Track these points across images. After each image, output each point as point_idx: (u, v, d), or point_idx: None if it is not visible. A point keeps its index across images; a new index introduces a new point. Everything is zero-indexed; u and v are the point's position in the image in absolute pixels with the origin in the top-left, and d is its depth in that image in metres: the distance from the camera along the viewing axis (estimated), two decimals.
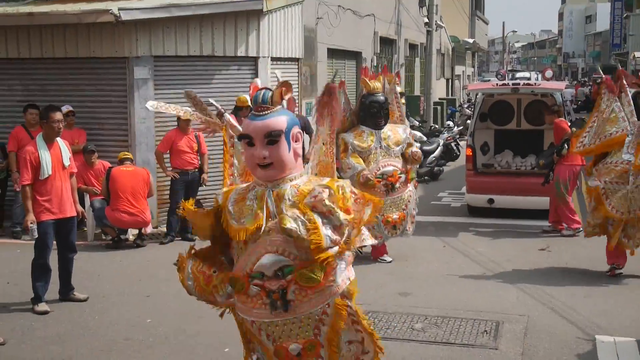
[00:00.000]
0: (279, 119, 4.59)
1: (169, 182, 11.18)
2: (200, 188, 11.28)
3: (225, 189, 4.92)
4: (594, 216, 8.65)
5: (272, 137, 4.54)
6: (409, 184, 9.44)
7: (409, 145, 9.48)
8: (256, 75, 12.51)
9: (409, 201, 9.42)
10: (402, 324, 7.09)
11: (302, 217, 4.31)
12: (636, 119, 8.43)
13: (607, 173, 8.50)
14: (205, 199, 11.65)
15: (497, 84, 14.00)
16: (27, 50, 11.72)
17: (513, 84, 13.39)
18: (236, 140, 5.14)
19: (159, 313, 7.55)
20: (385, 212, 9.19)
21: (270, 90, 4.68)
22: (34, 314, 7.55)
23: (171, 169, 11.01)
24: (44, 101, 10.01)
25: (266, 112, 4.60)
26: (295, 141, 4.65)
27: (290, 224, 4.27)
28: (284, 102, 4.73)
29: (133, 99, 11.39)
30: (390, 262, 9.52)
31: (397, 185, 9.25)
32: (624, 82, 8.59)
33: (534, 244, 10.49)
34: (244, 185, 4.92)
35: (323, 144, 5.08)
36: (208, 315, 7.31)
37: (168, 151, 11.00)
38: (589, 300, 7.84)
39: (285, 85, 4.69)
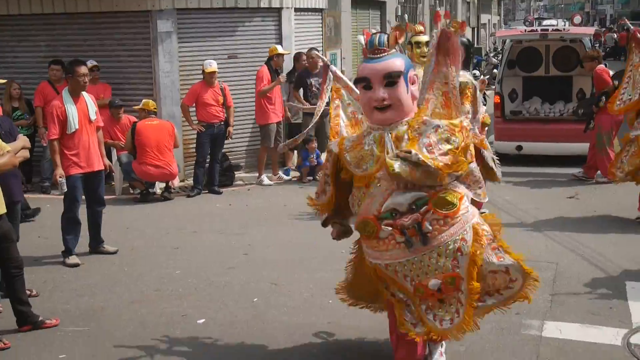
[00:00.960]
0: (397, 61, 4.60)
1: (195, 136, 11.19)
2: (226, 141, 11.28)
3: (336, 139, 4.92)
4: (630, 163, 8.58)
5: (392, 78, 4.54)
6: None
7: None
8: (279, 26, 12.41)
9: None
10: None
11: (401, 154, 4.34)
12: None
13: None
14: (231, 151, 11.71)
15: (525, 30, 13.96)
16: (51, 6, 11.68)
17: (542, 30, 13.38)
18: (343, 91, 5.15)
19: (188, 265, 7.60)
20: None
21: (386, 33, 4.67)
22: (64, 267, 7.65)
23: (197, 122, 11.01)
24: (68, 56, 9.99)
25: (383, 54, 4.60)
26: (412, 83, 4.64)
27: (397, 167, 4.31)
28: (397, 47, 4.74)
29: (157, 53, 11.35)
30: None
31: None
32: None
33: (562, 192, 10.41)
34: (355, 135, 4.91)
35: (441, 94, 4.82)
36: (236, 267, 7.41)
37: (194, 104, 10.98)
38: (618, 247, 7.78)
39: (399, 29, 4.69)
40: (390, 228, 4.46)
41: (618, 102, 8.72)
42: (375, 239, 4.54)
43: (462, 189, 4.58)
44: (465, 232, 4.49)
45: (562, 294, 6.43)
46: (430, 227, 4.42)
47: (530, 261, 7.24)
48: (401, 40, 4.76)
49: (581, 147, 11.73)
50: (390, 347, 5.40)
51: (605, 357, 5.21)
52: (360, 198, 4.64)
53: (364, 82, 4.59)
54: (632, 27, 9.07)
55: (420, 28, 9.60)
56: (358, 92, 4.85)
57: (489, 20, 46.33)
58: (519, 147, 12.30)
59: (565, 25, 31.37)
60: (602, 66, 11.30)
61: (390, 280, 4.64)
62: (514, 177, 11.41)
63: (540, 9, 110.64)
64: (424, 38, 9.98)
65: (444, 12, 11.60)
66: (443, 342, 5.10)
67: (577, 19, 19.44)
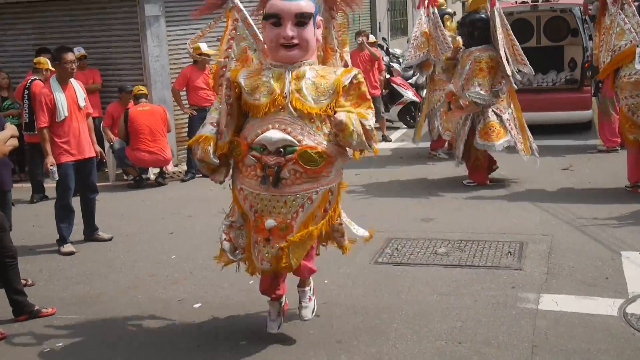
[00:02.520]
0: (309, 3, 4.76)
1: (187, 120, 11.14)
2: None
3: (230, 67, 5.08)
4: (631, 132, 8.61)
5: (303, 19, 4.70)
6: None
7: None
8: None
9: None
10: (425, 249, 7.08)
11: (360, 122, 4.70)
12: None
13: (622, 89, 8.51)
14: None
15: (516, 2, 13.94)
16: None
17: (532, 2, 13.37)
18: (240, 24, 5.18)
19: (183, 249, 7.59)
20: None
21: None
22: (60, 255, 7.63)
23: (188, 106, 10.96)
24: (56, 43, 9.92)
25: None
26: (318, 27, 4.84)
27: (352, 127, 4.64)
28: None
29: (145, 37, 11.28)
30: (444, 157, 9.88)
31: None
32: None
33: (556, 164, 10.40)
34: (252, 67, 5.05)
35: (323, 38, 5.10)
36: None
37: (184, 88, 10.93)
38: (613, 218, 7.77)
39: None
40: (254, 159, 4.76)
41: (602, 66, 8.72)
42: (241, 162, 4.87)
43: (332, 148, 4.79)
44: (315, 192, 4.80)
45: (557, 267, 6.44)
46: (288, 175, 4.72)
47: (525, 234, 7.33)
48: None
49: (574, 115, 12.14)
50: (391, 322, 5.44)
51: (601, 327, 5.21)
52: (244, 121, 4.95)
53: (274, 18, 4.72)
54: None
55: (442, 1, 9.71)
56: (256, 30, 5.09)
57: None
58: None
59: None
60: None
61: (237, 203, 5.04)
62: (506, 150, 11.38)
63: None
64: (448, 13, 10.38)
65: None
66: (310, 287, 5.36)
67: None
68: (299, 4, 4.68)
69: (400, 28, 22.77)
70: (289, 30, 4.66)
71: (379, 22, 19.80)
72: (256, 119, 4.79)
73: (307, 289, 5.34)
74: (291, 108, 4.70)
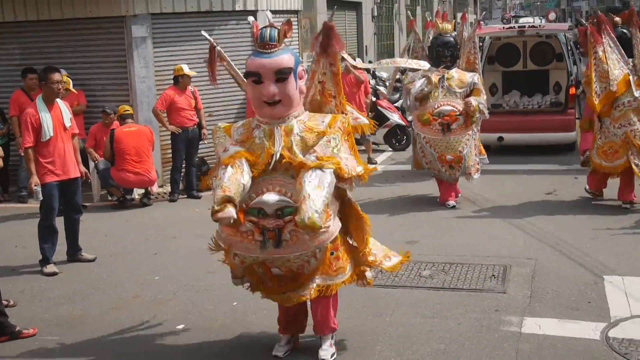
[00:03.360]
0: (288, 56, 4.75)
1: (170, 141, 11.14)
2: (200, 143, 11.24)
3: (223, 125, 5.08)
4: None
5: (282, 75, 4.69)
6: (468, 128, 9.41)
7: (476, 90, 9.49)
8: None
9: (466, 144, 9.38)
10: (409, 272, 7.08)
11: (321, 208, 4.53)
12: (627, 58, 8.93)
13: (623, 116, 8.82)
14: (208, 155, 11.64)
15: (503, 28, 14.73)
16: (23, 13, 11.58)
17: (519, 27, 14.09)
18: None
19: (167, 270, 7.56)
20: (440, 150, 9.35)
21: (276, 28, 4.73)
22: (42, 276, 7.57)
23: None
24: (42, 64, 9.87)
25: (274, 49, 4.69)
26: (300, 78, 4.82)
27: (316, 220, 4.51)
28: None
29: (132, 58, 11.28)
30: (452, 207, 9.58)
31: (454, 126, 9.29)
32: (607, 27, 8.93)
33: (540, 188, 10.45)
34: (239, 123, 5.05)
35: (319, 82, 5.09)
36: (216, 271, 7.35)
37: (165, 110, 10.89)
38: (596, 242, 7.82)
39: (288, 24, 4.78)
40: (251, 224, 4.71)
41: (595, 97, 8.87)
42: (235, 228, 4.76)
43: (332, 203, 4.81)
44: (318, 250, 4.80)
45: (541, 290, 6.46)
46: (288, 236, 4.68)
47: (509, 257, 7.35)
48: (289, 36, 4.85)
49: (559, 137, 12.74)
50: (375, 345, 5.43)
51: (584, 351, 5.23)
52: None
53: (254, 76, 4.72)
54: (585, 23, 9.59)
55: (448, 27, 9.75)
56: (244, 80, 5.17)
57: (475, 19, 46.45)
58: (500, 138, 12.77)
59: (541, 22, 31.77)
60: None
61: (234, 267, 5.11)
62: (492, 174, 11.45)
63: (516, 7, 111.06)
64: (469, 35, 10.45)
65: (442, 14, 11.84)
66: (333, 335, 5.33)
67: (552, 15, 19.75)
68: (277, 60, 4.66)
69: (386, 52, 22.92)
70: (270, 88, 4.66)
71: (366, 46, 19.93)
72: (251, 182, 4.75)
73: (329, 334, 5.28)
74: (285, 168, 4.71)
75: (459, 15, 12.66)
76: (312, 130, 4.78)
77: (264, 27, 4.77)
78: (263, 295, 5.22)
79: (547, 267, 7.07)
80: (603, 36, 8.85)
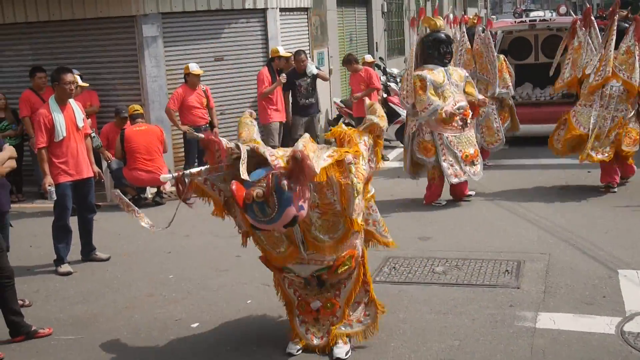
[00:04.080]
0: (291, 210, 4.62)
1: (183, 140, 11.16)
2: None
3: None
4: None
5: None
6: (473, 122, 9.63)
7: (469, 83, 9.63)
8: (265, 27, 12.37)
9: (475, 137, 9.61)
10: (423, 268, 7.08)
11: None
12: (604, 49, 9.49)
13: (585, 97, 9.69)
14: None
15: (515, 22, 15.09)
16: (35, 13, 11.64)
17: (530, 21, 14.60)
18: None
19: (181, 269, 7.59)
20: (462, 147, 9.33)
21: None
22: (57, 276, 7.62)
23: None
24: (54, 64, 9.95)
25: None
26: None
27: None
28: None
29: (143, 58, 11.32)
30: (444, 204, 9.59)
31: (469, 121, 9.38)
32: (592, 18, 9.82)
33: (553, 182, 10.42)
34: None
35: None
36: (229, 270, 7.39)
37: (178, 108, 10.93)
38: (610, 235, 7.79)
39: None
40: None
41: (559, 81, 10.07)
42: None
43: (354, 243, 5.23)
44: (351, 276, 5.32)
45: (555, 285, 6.44)
46: (327, 277, 5.24)
47: (523, 252, 7.33)
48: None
49: None
50: (389, 342, 5.44)
51: (599, 346, 5.22)
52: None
53: None
54: (574, 15, 10.67)
55: (440, 23, 9.66)
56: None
57: (475, 13, 46.33)
58: None
59: (552, 15, 31.78)
60: None
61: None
62: (504, 169, 11.43)
63: (527, 1, 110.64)
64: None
65: (433, 10, 11.87)
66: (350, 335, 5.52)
67: (563, 9, 19.70)
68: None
69: (397, 48, 22.88)
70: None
71: (376, 42, 19.89)
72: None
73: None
74: (309, 252, 5.09)
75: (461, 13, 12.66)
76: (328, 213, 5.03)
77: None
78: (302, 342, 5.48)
79: (561, 261, 7.05)
80: (584, 28, 9.69)
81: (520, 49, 14.74)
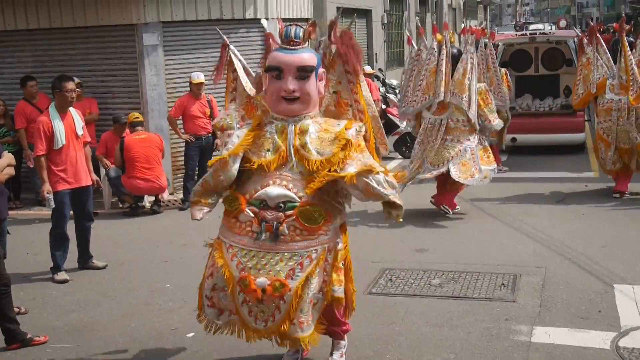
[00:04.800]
0: (312, 55, 4.75)
1: (183, 149, 11.18)
2: (214, 153, 11.26)
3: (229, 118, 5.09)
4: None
5: (305, 72, 4.68)
6: None
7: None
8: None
9: None
10: (419, 280, 7.09)
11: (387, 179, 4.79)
12: (613, 64, 9.93)
13: (598, 116, 10.08)
14: None
15: (516, 34, 15.68)
16: (36, 21, 11.67)
17: (530, 34, 15.31)
18: (240, 74, 5.23)
19: (178, 278, 7.59)
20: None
21: (301, 27, 4.75)
22: (53, 283, 7.62)
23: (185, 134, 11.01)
24: (54, 72, 9.96)
25: (299, 46, 4.72)
26: (320, 80, 4.80)
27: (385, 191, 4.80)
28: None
29: (143, 66, 11.34)
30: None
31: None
32: (598, 35, 10.18)
33: (551, 196, 10.44)
34: (249, 122, 5.03)
35: (334, 92, 5.05)
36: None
37: (180, 117, 10.97)
38: (606, 250, 7.81)
39: (313, 25, 4.83)
40: (252, 214, 4.68)
41: (575, 97, 10.48)
42: (235, 218, 4.78)
43: (332, 207, 4.81)
44: (314, 251, 4.67)
45: (550, 299, 6.45)
46: (287, 231, 4.62)
47: (519, 266, 7.34)
48: (314, 37, 4.89)
49: (569, 138, 13.57)
50: (384, 353, 5.44)
51: None
52: (244, 178, 4.84)
53: (275, 71, 4.70)
54: (579, 32, 11.15)
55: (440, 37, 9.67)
56: (254, 76, 5.16)
57: (475, 25, 46.49)
58: (514, 139, 13.34)
59: (551, 28, 32.07)
60: None
61: (224, 266, 4.80)
62: (502, 181, 11.44)
63: (526, 13, 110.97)
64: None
65: (433, 26, 11.89)
66: (345, 343, 5.32)
67: (563, 22, 20.03)
68: (301, 56, 4.66)
69: (396, 59, 22.95)
70: (290, 84, 4.63)
71: (376, 54, 19.96)
72: (258, 174, 4.74)
73: (342, 342, 5.32)
74: (295, 165, 4.68)
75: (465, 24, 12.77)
76: (328, 131, 4.75)
77: (289, 25, 4.79)
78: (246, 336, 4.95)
79: (557, 275, 7.07)
80: (591, 45, 10.05)
81: (521, 61, 15.08)
